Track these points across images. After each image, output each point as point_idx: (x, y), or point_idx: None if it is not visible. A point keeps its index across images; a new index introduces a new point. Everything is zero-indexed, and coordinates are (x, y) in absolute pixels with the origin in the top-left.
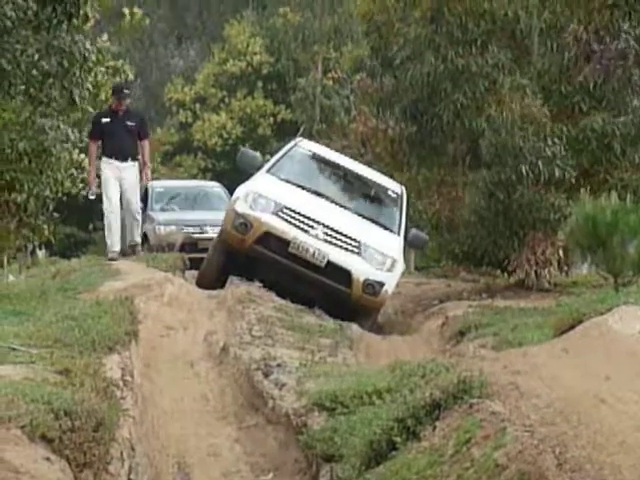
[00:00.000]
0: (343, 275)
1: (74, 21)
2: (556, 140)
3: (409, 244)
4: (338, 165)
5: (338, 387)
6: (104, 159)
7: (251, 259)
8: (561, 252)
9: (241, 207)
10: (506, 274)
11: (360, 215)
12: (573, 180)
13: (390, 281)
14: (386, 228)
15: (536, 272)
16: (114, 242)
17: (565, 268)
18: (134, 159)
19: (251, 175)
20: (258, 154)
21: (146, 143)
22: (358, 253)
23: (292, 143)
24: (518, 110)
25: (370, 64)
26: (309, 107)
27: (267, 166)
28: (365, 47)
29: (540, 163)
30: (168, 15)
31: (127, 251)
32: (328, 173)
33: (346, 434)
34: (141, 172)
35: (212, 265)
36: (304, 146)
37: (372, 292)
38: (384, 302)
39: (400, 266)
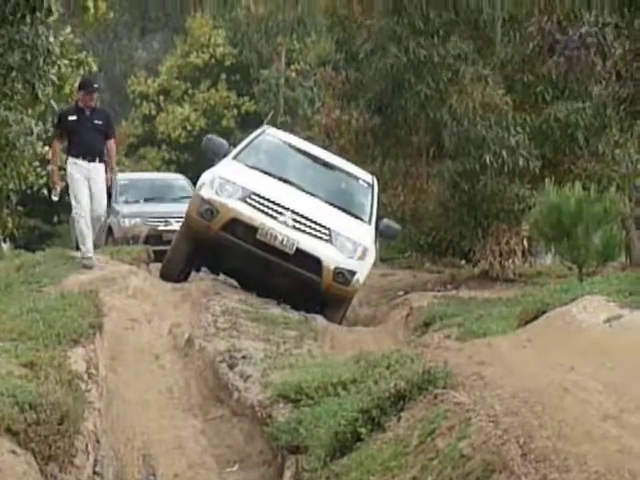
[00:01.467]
0: (313, 263)
1: (37, 14)
2: (519, 129)
3: (381, 234)
4: (308, 153)
5: (303, 378)
6: (70, 159)
7: (217, 246)
8: (525, 242)
9: (207, 193)
10: (471, 265)
11: (330, 203)
12: (537, 170)
13: (362, 270)
14: (357, 217)
15: (500, 262)
16: (89, 248)
17: (529, 258)
18: (102, 159)
19: (216, 163)
20: (225, 141)
21: (112, 143)
22: (328, 241)
23: (259, 130)
24: (479, 99)
25: (334, 58)
26: (273, 99)
27: (233, 153)
28: (329, 40)
29: (504, 153)
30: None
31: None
32: (297, 161)
33: (311, 425)
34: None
35: (177, 254)
36: (272, 134)
37: (343, 281)
38: (355, 292)
39: (372, 255)
